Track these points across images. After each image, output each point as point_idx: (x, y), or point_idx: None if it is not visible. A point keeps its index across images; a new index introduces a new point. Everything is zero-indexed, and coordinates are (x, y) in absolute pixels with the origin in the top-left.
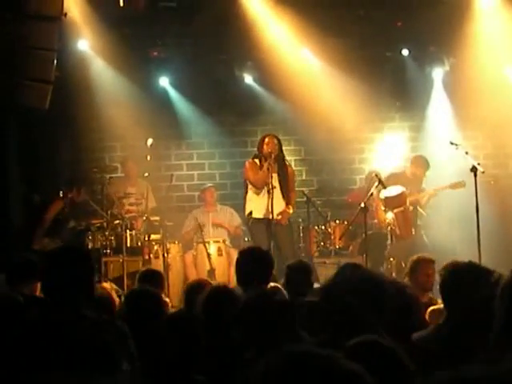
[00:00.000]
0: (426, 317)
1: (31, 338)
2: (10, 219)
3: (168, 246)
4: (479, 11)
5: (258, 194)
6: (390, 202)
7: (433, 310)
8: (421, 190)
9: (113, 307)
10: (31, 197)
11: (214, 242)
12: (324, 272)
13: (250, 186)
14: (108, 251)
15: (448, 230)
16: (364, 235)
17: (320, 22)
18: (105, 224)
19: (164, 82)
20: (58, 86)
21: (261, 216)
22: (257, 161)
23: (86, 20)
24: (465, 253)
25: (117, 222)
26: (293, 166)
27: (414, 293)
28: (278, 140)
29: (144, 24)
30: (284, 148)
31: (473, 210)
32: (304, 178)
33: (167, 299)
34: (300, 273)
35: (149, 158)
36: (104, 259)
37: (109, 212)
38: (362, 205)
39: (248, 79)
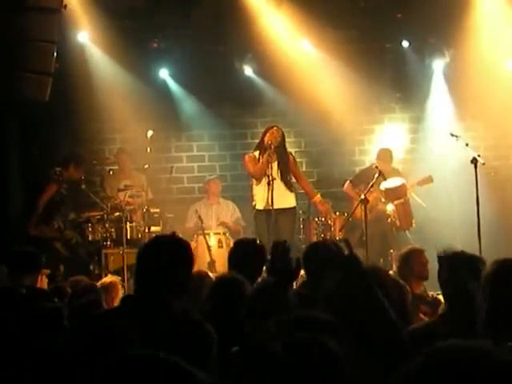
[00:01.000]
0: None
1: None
2: (10, 212)
3: None
4: (479, 2)
5: (258, 185)
6: (390, 194)
7: None
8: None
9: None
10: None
11: (215, 233)
12: None
13: (253, 180)
14: (108, 243)
15: (448, 222)
16: (364, 227)
17: (320, 13)
18: (105, 216)
19: (164, 73)
20: (57, 77)
21: (261, 207)
22: (256, 153)
23: (86, 12)
24: (465, 244)
25: (117, 214)
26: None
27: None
28: (282, 133)
29: (144, 16)
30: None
31: (473, 202)
32: (304, 169)
33: None
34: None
35: (149, 149)
36: (104, 251)
37: (109, 204)
38: (362, 196)
39: (248, 71)
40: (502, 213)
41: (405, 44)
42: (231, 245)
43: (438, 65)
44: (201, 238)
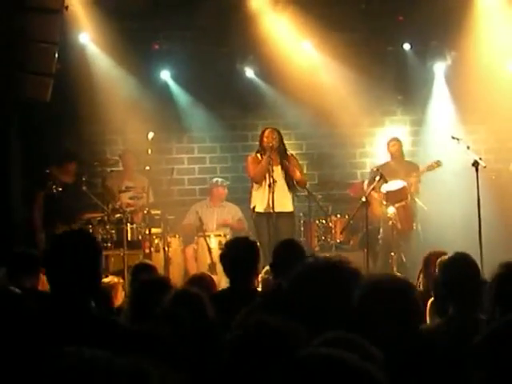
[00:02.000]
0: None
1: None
2: (12, 213)
3: (169, 239)
4: (481, 5)
5: (259, 188)
6: (391, 197)
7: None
8: (410, 171)
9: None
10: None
11: (215, 235)
12: None
13: (253, 182)
14: (109, 245)
15: (449, 225)
16: (365, 229)
17: (322, 16)
18: (105, 217)
19: (165, 75)
20: (59, 78)
21: (262, 210)
22: (258, 155)
23: (88, 13)
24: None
25: (118, 215)
26: None
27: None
28: (278, 133)
29: (145, 17)
30: (285, 142)
31: (474, 205)
32: (305, 172)
33: None
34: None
35: (150, 151)
36: (105, 253)
37: (109, 206)
38: (364, 199)
39: (249, 73)
40: (503, 216)
41: (406, 47)
42: None
43: (440, 67)
44: (201, 240)
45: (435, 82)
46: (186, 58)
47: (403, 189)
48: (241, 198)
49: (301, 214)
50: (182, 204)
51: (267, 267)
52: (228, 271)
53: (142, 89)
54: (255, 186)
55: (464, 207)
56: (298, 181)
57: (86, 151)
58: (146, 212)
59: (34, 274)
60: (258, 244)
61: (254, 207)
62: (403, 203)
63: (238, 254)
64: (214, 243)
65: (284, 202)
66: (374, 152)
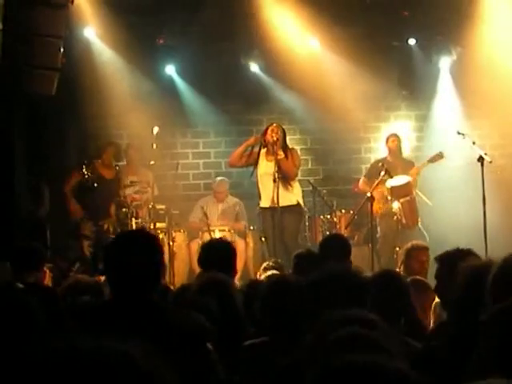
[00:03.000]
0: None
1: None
2: (16, 208)
3: (173, 234)
4: (487, 0)
5: (264, 183)
6: (396, 192)
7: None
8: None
9: None
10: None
11: (220, 230)
12: None
13: (258, 177)
14: None
15: (454, 220)
16: (370, 225)
17: (327, 10)
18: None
19: (170, 70)
20: (64, 73)
21: (267, 205)
22: (263, 151)
23: (93, 7)
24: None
25: (123, 210)
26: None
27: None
28: (283, 129)
29: (150, 12)
30: (290, 137)
31: (479, 200)
32: (310, 167)
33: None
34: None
35: (154, 146)
36: None
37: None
38: (368, 194)
39: (254, 68)
40: (508, 211)
41: (411, 42)
42: (236, 242)
43: (445, 63)
44: (206, 234)
45: (440, 77)
46: (191, 52)
47: (408, 184)
48: (245, 192)
49: (305, 209)
50: (187, 199)
51: (265, 264)
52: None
53: (147, 83)
54: (258, 181)
55: (469, 203)
56: (284, 172)
57: (90, 146)
58: (150, 207)
59: (37, 269)
60: (263, 239)
61: (261, 201)
62: (408, 198)
63: (212, 256)
64: None
65: (289, 195)
66: (379, 147)
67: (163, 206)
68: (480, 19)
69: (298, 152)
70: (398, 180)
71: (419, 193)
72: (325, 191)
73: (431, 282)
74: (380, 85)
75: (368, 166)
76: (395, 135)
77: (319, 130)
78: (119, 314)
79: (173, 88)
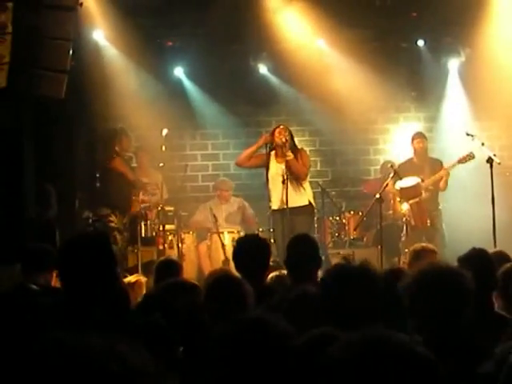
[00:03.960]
0: None
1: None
2: (25, 209)
3: (182, 236)
4: (495, 1)
5: (273, 185)
6: (405, 193)
7: None
8: (435, 168)
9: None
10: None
11: (229, 232)
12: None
13: (268, 179)
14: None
15: (463, 222)
16: (379, 226)
17: (335, 12)
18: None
19: (179, 71)
20: (73, 75)
21: (276, 207)
22: (272, 153)
23: (102, 10)
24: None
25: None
26: None
27: None
28: (290, 131)
29: (159, 14)
30: (298, 139)
31: (489, 202)
32: (318, 168)
33: None
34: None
35: (163, 148)
36: None
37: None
38: (378, 196)
39: (263, 69)
40: None
41: (420, 43)
42: None
43: (454, 64)
44: (215, 236)
45: (449, 78)
46: (200, 54)
47: (417, 185)
48: (254, 194)
49: (315, 211)
50: (196, 200)
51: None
52: (239, 268)
53: (156, 86)
54: (269, 183)
55: (478, 204)
56: (294, 173)
57: (99, 148)
58: (159, 208)
59: (48, 271)
60: (273, 241)
61: (272, 203)
62: (417, 199)
63: (248, 251)
64: (228, 240)
65: (299, 196)
66: (388, 149)
67: (172, 208)
68: (488, 20)
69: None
70: (407, 181)
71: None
72: (333, 193)
73: None
74: (389, 86)
75: (377, 167)
76: (421, 135)
77: (328, 131)
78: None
79: (181, 90)
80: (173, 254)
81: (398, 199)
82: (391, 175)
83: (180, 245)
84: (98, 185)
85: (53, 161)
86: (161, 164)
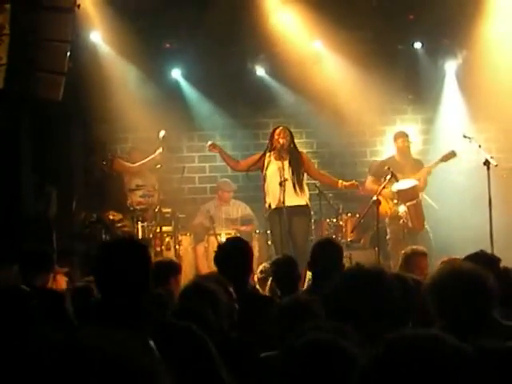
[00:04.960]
0: None
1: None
2: (23, 210)
3: (180, 237)
4: (492, 4)
5: (270, 186)
6: (402, 195)
7: None
8: (416, 168)
9: None
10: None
11: (226, 234)
12: None
13: (265, 179)
14: None
15: (460, 224)
16: (376, 228)
17: (332, 14)
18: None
19: (176, 73)
20: (70, 77)
21: (274, 206)
22: (268, 154)
23: (99, 11)
24: (477, 246)
25: (129, 214)
26: None
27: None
28: (290, 132)
29: (156, 16)
30: (296, 141)
31: (485, 204)
32: None
33: None
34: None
35: (161, 149)
36: None
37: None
38: (374, 198)
39: (260, 71)
40: None
41: (417, 45)
42: None
43: (451, 66)
44: (212, 238)
45: (446, 80)
46: (197, 56)
47: (414, 187)
48: (251, 196)
49: (312, 213)
50: (193, 202)
51: (262, 266)
52: (222, 272)
53: (153, 87)
54: (265, 184)
55: (475, 206)
56: (320, 179)
57: (96, 149)
58: (156, 210)
59: (46, 271)
60: (270, 242)
61: (269, 204)
62: (414, 202)
63: (229, 255)
64: None
65: (297, 197)
66: (385, 150)
67: (169, 210)
68: (485, 22)
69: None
70: (404, 183)
71: (425, 196)
72: (331, 195)
73: None
74: (386, 88)
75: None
76: (405, 135)
77: (325, 133)
78: (106, 317)
79: (179, 91)
80: (170, 255)
81: (395, 201)
82: (388, 177)
83: (177, 246)
84: (96, 187)
85: (50, 162)
86: (158, 166)
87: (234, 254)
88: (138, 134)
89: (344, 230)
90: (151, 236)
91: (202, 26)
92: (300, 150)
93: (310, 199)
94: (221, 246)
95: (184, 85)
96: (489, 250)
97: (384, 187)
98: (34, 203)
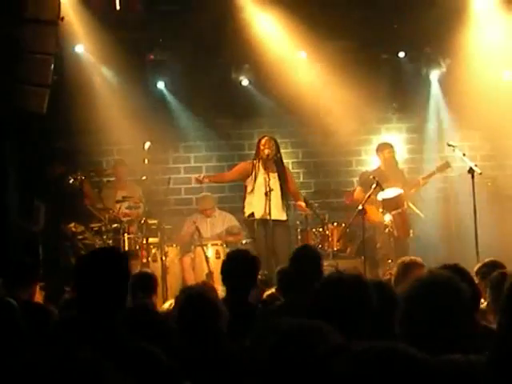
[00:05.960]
0: None
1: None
2: (9, 223)
3: (166, 249)
4: (474, 13)
5: (254, 196)
6: (387, 204)
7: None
8: (402, 179)
9: None
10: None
11: (212, 244)
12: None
13: (247, 189)
14: None
15: (446, 232)
16: (362, 237)
17: (317, 24)
18: (103, 228)
19: (161, 85)
20: (55, 89)
21: (259, 217)
22: (255, 162)
23: (83, 24)
24: (462, 254)
25: (115, 225)
26: (290, 168)
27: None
28: (275, 142)
29: (141, 27)
30: (281, 151)
31: (470, 212)
32: (301, 180)
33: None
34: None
35: (146, 161)
36: None
37: (106, 216)
38: (360, 207)
39: (245, 82)
40: (500, 222)
41: (401, 54)
42: None
43: (435, 74)
44: (198, 249)
45: (430, 89)
46: (182, 68)
47: (399, 196)
48: (237, 206)
49: (298, 223)
50: (179, 213)
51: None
52: (226, 283)
53: (138, 99)
54: (249, 194)
55: (460, 213)
56: (292, 193)
57: (82, 161)
58: (142, 222)
59: (30, 285)
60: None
61: (250, 214)
62: (399, 210)
63: (238, 266)
64: (211, 252)
65: (279, 210)
66: (370, 160)
67: (155, 221)
68: (468, 31)
69: (289, 166)
70: (389, 192)
71: (411, 205)
72: (316, 204)
73: None
74: (370, 97)
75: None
76: (391, 146)
77: (310, 143)
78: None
79: (164, 103)
80: (156, 267)
81: (381, 210)
82: (373, 186)
83: (164, 258)
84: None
85: (36, 173)
86: (143, 177)
87: (242, 267)
88: (124, 145)
89: (330, 239)
90: (137, 247)
91: (186, 38)
92: (285, 160)
93: (293, 210)
94: (230, 257)
95: (169, 96)
96: (474, 257)
97: (369, 196)
98: (19, 216)
